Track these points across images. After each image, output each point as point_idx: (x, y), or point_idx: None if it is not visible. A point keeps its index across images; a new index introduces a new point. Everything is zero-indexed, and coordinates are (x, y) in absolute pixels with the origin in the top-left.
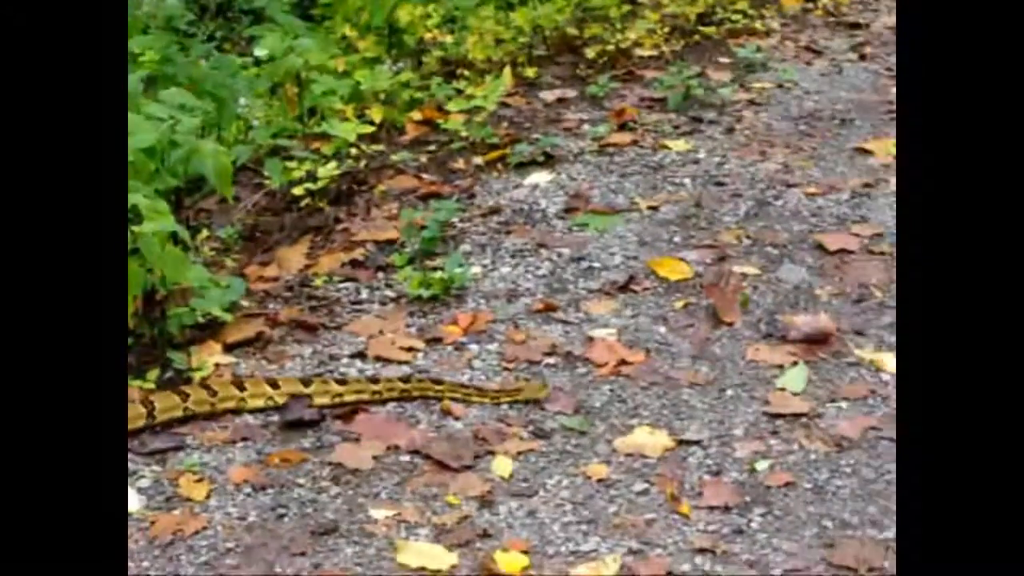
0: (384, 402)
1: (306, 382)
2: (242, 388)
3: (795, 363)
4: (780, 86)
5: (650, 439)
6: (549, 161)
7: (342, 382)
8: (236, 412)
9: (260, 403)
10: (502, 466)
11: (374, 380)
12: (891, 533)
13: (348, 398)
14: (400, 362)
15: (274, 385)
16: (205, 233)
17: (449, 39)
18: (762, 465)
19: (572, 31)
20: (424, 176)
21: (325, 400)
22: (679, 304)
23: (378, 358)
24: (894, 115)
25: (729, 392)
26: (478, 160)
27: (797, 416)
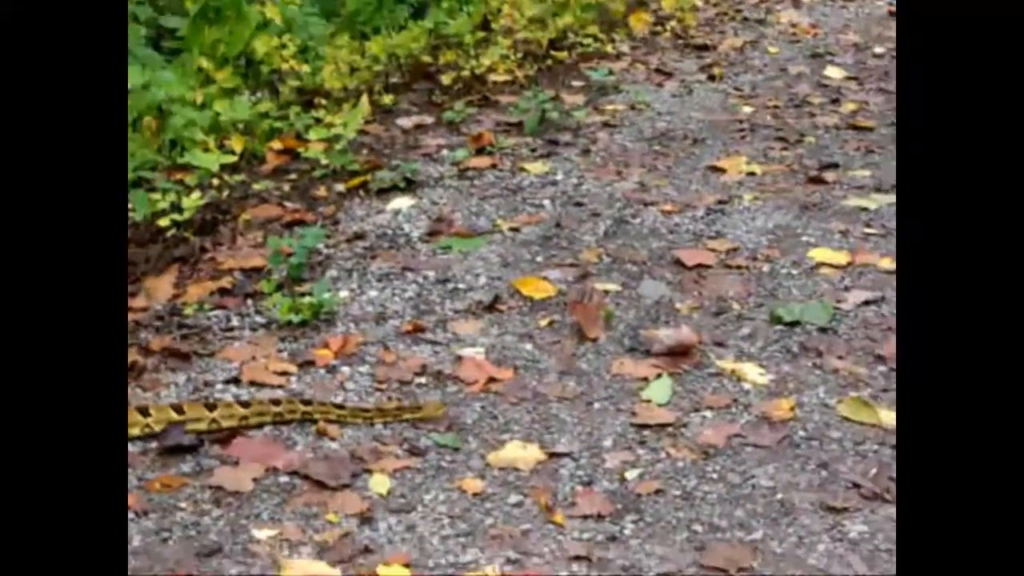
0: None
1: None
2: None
3: (659, 375)
4: (633, 107)
5: (522, 453)
6: (410, 186)
7: (276, 403)
8: None
9: (136, 431)
10: (380, 483)
11: (275, 402)
12: (758, 535)
13: (253, 421)
14: (274, 386)
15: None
16: None
17: (306, 69)
18: (632, 474)
19: (427, 58)
20: (287, 204)
21: (232, 423)
22: (544, 322)
23: (252, 383)
24: (744, 133)
25: (597, 405)
26: (340, 187)
27: (663, 426)
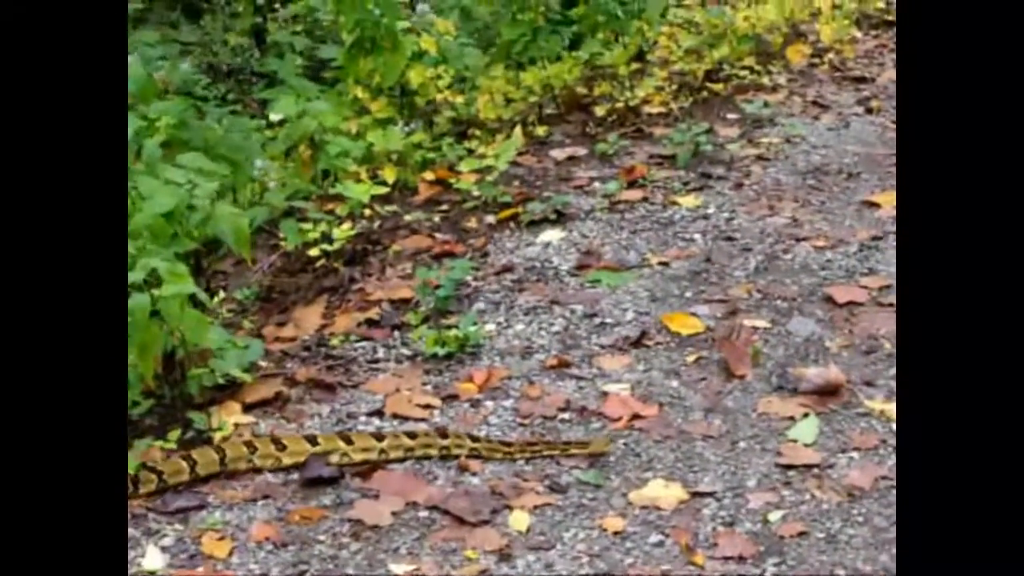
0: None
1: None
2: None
3: (806, 415)
4: (788, 141)
5: (664, 491)
6: (561, 219)
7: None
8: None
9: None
10: (519, 520)
11: (473, 436)
12: None
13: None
14: (417, 419)
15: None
16: (223, 295)
17: (460, 99)
18: (775, 516)
19: (581, 89)
20: (437, 235)
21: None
22: (691, 358)
23: (395, 416)
24: None
25: (742, 444)
26: (490, 219)
27: (809, 467)
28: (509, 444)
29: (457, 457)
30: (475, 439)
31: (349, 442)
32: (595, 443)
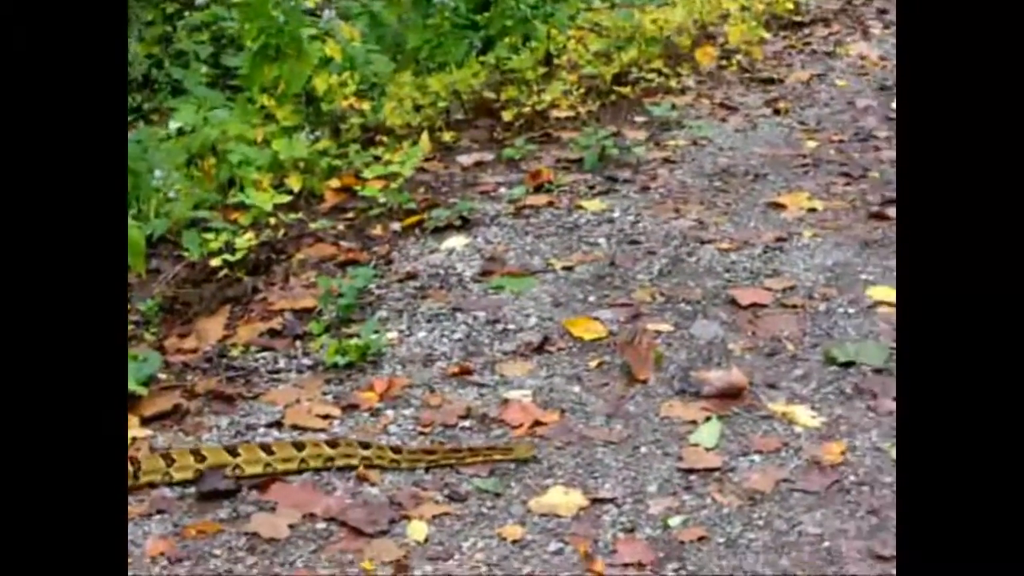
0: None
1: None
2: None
3: (708, 418)
4: (695, 143)
5: (564, 498)
6: (466, 225)
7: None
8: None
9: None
10: (417, 530)
11: (394, 448)
12: None
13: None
14: (316, 430)
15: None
16: None
17: (367, 106)
18: (675, 521)
19: (489, 95)
20: (342, 243)
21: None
22: (593, 363)
23: (295, 427)
24: (807, 169)
25: (643, 449)
26: (396, 226)
27: (710, 471)
28: (432, 451)
29: (380, 467)
30: (396, 450)
31: (235, 454)
32: (518, 449)
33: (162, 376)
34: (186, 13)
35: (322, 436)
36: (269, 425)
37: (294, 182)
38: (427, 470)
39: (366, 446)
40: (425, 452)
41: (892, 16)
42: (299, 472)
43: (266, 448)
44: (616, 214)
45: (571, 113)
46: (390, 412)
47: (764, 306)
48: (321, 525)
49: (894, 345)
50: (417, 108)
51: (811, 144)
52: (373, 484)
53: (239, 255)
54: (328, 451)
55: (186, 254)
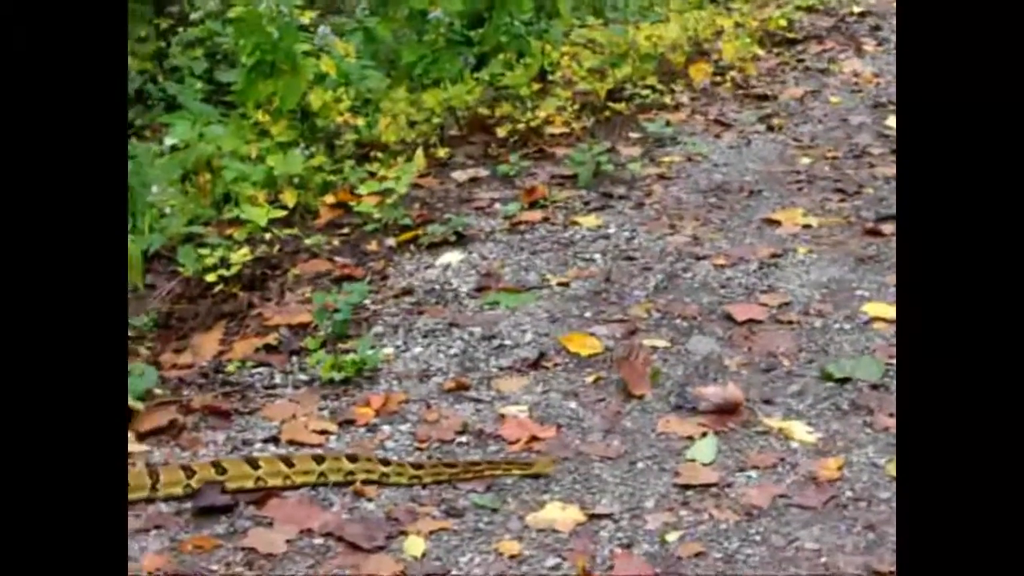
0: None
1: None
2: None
3: (705, 434)
4: (689, 159)
5: (561, 514)
6: (461, 241)
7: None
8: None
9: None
10: (414, 545)
11: (415, 464)
12: None
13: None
14: (313, 445)
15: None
16: None
17: (362, 122)
18: (672, 536)
19: (484, 111)
20: (337, 259)
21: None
22: (590, 379)
23: (291, 442)
24: (801, 185)
25: (640, 465)
26: (391, 242)
27: (707, 487)
28: (453, 465)
29: (397, 484)
30: (417, 466)
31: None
32: (538, 464)
33: (158, 391)
34: (180, 29)
35: (339, 450)
36: (266, 440)
37: (289, 198)
38: (450, 483)
39: (386, 463)
40: (446, 466)
41: (885, 33)
42: (322, 486)
43: (287, 460)
44: (611, 230)
45: (566, 129)
46: (386, 428)
47: (760, 322)
48: (318, 540)
49: (890, 361)
50: (412, 124)
51: (805, 160)
52: (370, 499)
53: (234, 270)
54: (348, 465)
55: (181, 270)
